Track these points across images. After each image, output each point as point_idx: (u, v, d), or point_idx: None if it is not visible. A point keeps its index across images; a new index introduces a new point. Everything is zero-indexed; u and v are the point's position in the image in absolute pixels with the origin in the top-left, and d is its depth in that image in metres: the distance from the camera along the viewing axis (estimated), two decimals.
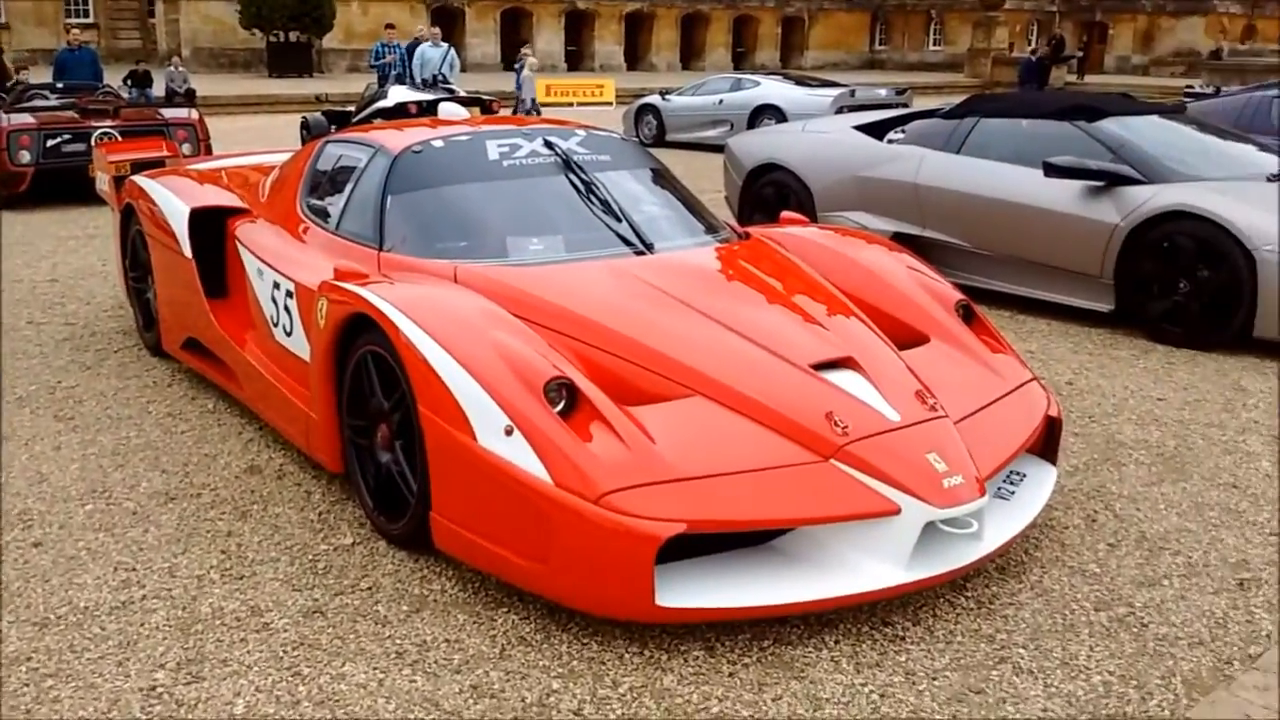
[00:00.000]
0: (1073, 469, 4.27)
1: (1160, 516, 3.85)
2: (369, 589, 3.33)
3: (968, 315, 4.04)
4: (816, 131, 8.25)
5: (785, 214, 5.01)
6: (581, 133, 4.70)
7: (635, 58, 51.20)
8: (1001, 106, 7.47)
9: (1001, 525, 3.32)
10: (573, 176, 4.29)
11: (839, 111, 15.76)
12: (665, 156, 18.84)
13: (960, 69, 44.33)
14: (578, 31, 49.35)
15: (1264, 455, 4.44)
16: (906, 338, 3.87)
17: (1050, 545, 3.62)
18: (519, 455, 2.95)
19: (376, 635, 3.08)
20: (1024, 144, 6.89)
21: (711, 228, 4.47)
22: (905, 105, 16.86)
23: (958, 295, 4.10)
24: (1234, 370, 5.57)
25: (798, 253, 4.34)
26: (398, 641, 3.04)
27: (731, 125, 17.13)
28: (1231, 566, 3.48)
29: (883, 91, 18.48)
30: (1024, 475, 3.66)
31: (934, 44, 54.76)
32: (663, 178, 4.79)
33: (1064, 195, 6.41)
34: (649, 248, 4.00)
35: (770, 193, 8.17)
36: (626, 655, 2.95)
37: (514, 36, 47.69)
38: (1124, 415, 4.91)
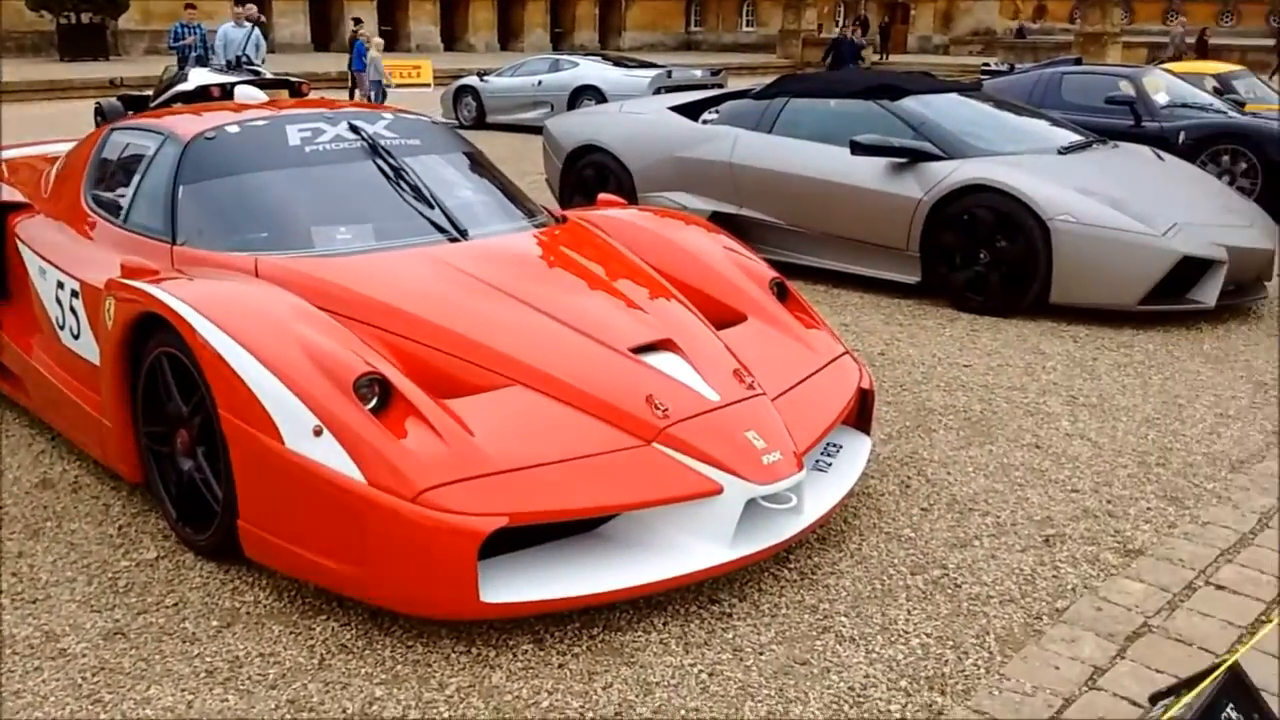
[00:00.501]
0: (887, 437, 4.40)
1: (969, 479, 4.01)
2: (175, 605, 3.14)
3: (782, 293, 4.10)
4: (633, 113, 8.26)
5: (603, 196, 4.98)
6: (389, 116, 4.54)
7: (452, 38, 50.32)
8: (809, 86, 7.64)
9: (821, 497, 3.39)
10: (381, 162, 4.14)
11: (656, 92, 15.89)
12: (487, 139, 18.60)
13: (773, 50, 45.33)
14: (392, 11, 48.12)
15: (1063, 416, 4.68)
16: (724, 317, 3.90)
17: (868, 513, 3.72)
18: (330, 456, 2.82)
19: (184, 654, 2.90)
20: (831, 123, 7.06)
21: (528, 212, 4.40)
22: (720, 86, 17.11)
23: (772, 273, 4.15)
24: (1033, 335, 5.86)
25: (616, 235, 4.32)
26: (208, 659, 2.88)
27: (552, 107, 17.03)
28: (1037, 524, 3.66)
29: (698, 73, 18.71)
30: (840, 447, 3.74)
31: (747, 25, 55.83)
32: (476, 162, 4.68)
33: (870, 172, 6.61)
34: (463, 234, 3.90)
35: (590, 175, 8.14)
36: (453, 655, 2.87)
37: (325, 16, 46.17)
38: (933, 383, 5.10)
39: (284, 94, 12.58)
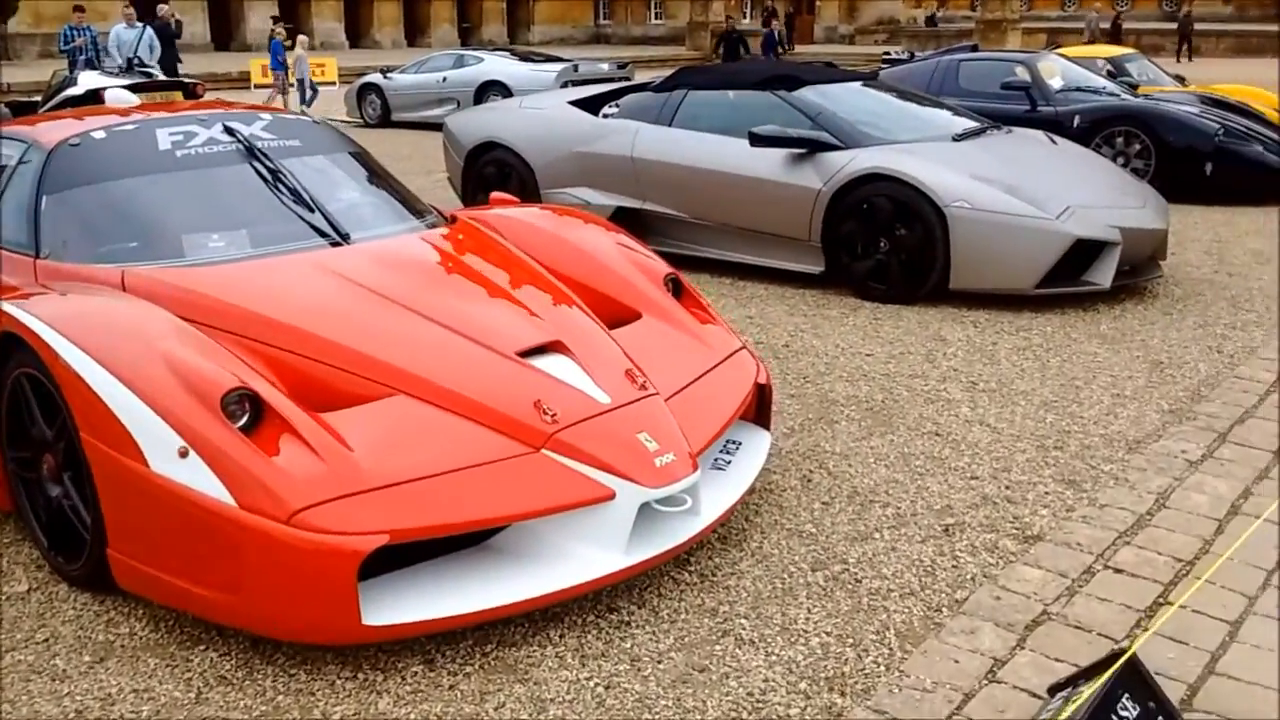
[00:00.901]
0: (789, 430, 4.37)
1: (870, 470, 3.99)
2: (46, 641, 2.97)
3: (677, 289, 4.03)
4: (533, 108, 8.13)
5: (495, 195, 4.86)
6: (267, 116, 4.37)
7: (358, 35, 49.51)
8: (708, 79, 7.59)
9: (719, 496, 3.33)
10: (258, 165, 3.98)
11: (563, 86, 15.75)
12: (392, 137, 18.26)
13: (682, 42, 45.40)
14: (294, 8, 47.12)
15: (963, 402, 4.69)
16: (619, 315, 3.82)
17: (769, 509, 3.67)
18: (197, 478, 2.68)
19: (54, 694, 2.73)
20: (731, 115, 7.02)
21: (416, 213, 4.27)
22: (627, 79, 17.03)
23: (666, 269, 4.08)
24: (934, 321, 5.89)
25: (507, 235, 4.21)
26: (78, 698, 2.71)
27: (458, 103, 16.79)
28: (937, 513, 3.64)
29: (605, 66, 18.62)
30: (739, 443, 3.68)
31: (656, 18, 55.87)
32: (362, 162, 4.53)
33: (770, 163, 6.58)
34: (345, 238, 3.76)
35: (492, 172, 8.00)
36: (338, 682, 2.75)
37: (225, 14, 45.06)
38: (836, 373, 5.08)
39: (179, 96, 12.14)
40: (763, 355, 5.31)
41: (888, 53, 15.29)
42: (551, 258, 4.07)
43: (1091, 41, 30.50)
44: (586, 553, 2.94)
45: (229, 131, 4.09)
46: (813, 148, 6.47)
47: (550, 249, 4.14)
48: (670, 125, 7.24)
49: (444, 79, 18.09)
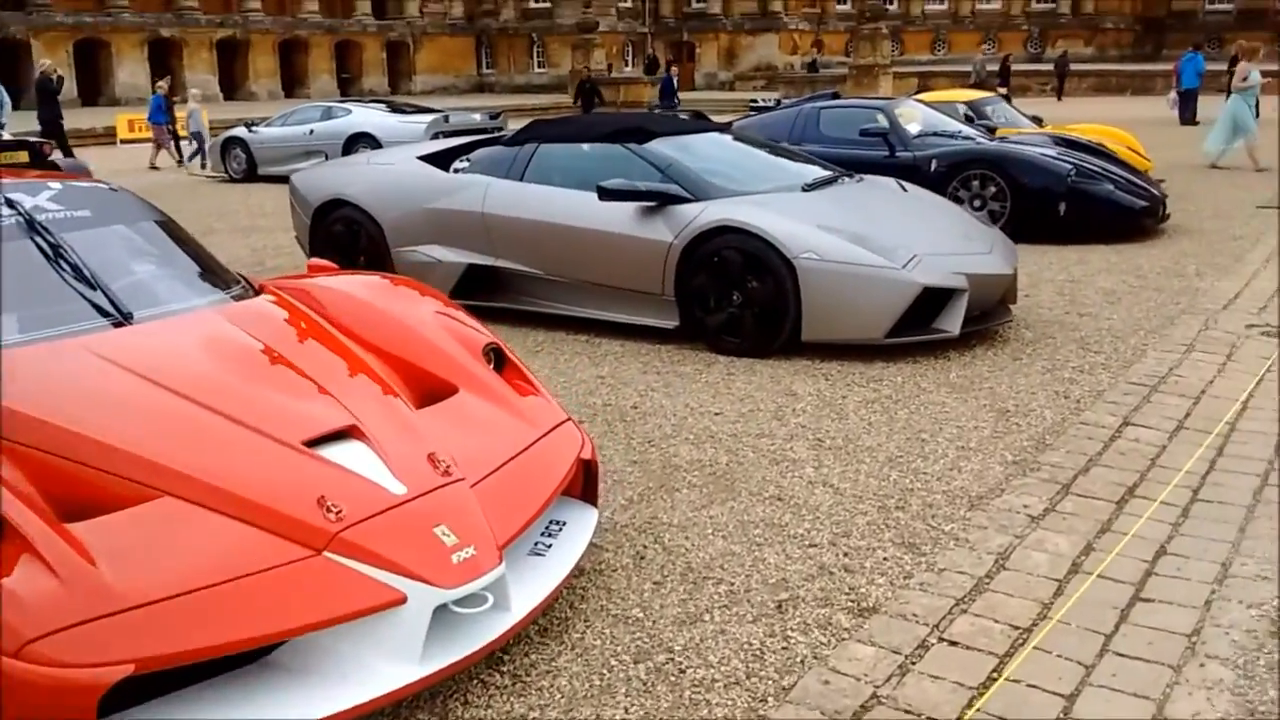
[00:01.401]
0: (628, 501, 4.17)
1: (707, 542, 3.80)
2: None
3: (499, 360, 3.82)
4: (382, 163, 7.88)
5: (312, 261, 4.59)
6: (57, 186, 4.04)
7: (233, 86, 48.56)
8: (559, 131, 7.45)
9: (534, 587, 3.10)
10: (38, 239, 3.65)
11: (434, 137, 15.53)
12: (257, 192, 17.76)
13: (565, 90, 45.57)
14: (164, 62, 46.00)
15: (807, 462, 4.56)
16: (435, 390, 3.58)
17: (596, 593, 3.45)
18: None
19: None
20: (582, 168, 6.88)
21: (220, 284, 3.98)
22: (500, 129, 16.87)
23: (487, 339, 3.86)
24: (787, 375, 5.78)
25: (320, 305, 3.94)
26: None
27: (326, 156, 16.39)
28: (771, 588, 3.47)
29: (477, 116, 18.44)
30: (563, 524, 3.47)
31: (538, 66, 56.15)
32: (165, 231, 4.22)
33: (622, 217, 6.44)
34: (127, 318, 3.45)
35: (341, 230, 7.71)
36: None
37: (91, 69, 43.71)
38: (683, 435, 4.91)
39: (23, 157, 11.45)
40: (610, 419, 5.13)
41: (754, 100, 15.42)
42: (365, 329, 3.82)
43: (978, 84, 31.39)
44: (377, 664, 2.68)
45: (10, 205, 3.75)
46: (663, 200, 6.35)
47: (364, 320, 3.89)
48: (522, 179, 7.07)
49: (311, 131, 17.70)
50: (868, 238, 5.98)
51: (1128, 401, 5.22)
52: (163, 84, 22.44)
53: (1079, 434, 4.81)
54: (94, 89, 43.20)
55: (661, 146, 6.81)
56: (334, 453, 2.97)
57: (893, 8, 59.51)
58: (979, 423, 5.00)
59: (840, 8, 60.37)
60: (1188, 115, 25.39)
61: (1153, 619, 3.22)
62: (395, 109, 19.06)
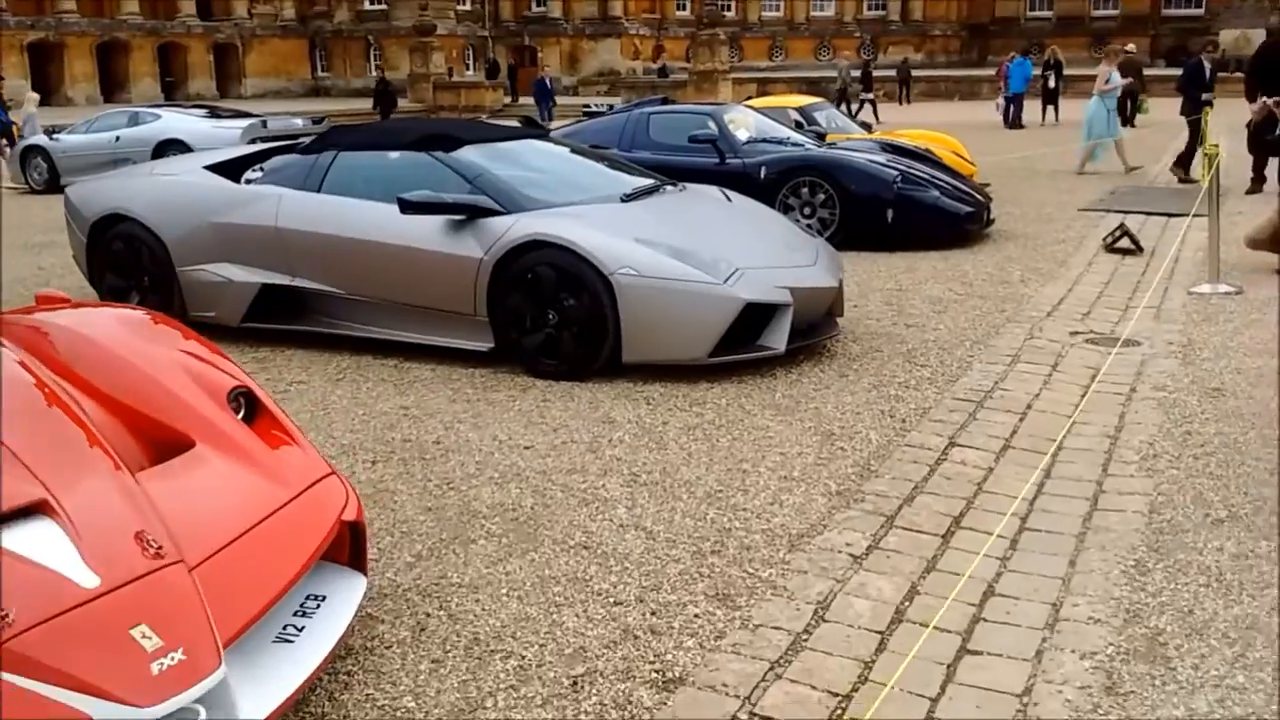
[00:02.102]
0: (414, 559, 3.70)
1: (500, 606, 3.37)
2: None
3: (251, 405, 3.29)
4: (166, 175, 7.16)
5: (41, 293, 3.95)
6: None
7: (47, 91, 45.52)
8: (359, 139, 6.89)
9: (277, 684, 2.61)
10: None
11: (251, 143, 14.62)
12: (56, 204, 16.49)
13: (404, 94, 44.38)
14: None
15: (620, 501, 4.17)
16: (167, 445, 3.05)
17: (364, 678, 2.98)
18: None
19: None
20: (385, 178, 6.36)
21: None
22: None
23: (234, 382, 3.33)
24: (606, 400, 5.39)
25: (42, 345, 3.34)
26: None
27: (134, 163, 15.29)
28: (567, 660, 3.06)
29: (299, 121, 17.57)
30: (323, 598, 2.98)
31: (375, 70, 54.50)
32: None
33: (427, 232, 5.95)
34: None
35: (120, 248, 6.97)
36: None
37: None
38: (487, 474, 4.46)
39: None
40: (408, 457, 4.65)
41: (588, 105, 15.07)
42: (92, 373, 3.25)
43: (843, 89, 31.81)
44: None
45: None
46: (471, 213, 5.89)
47: (91, 362, 3.30)
48: (319, 190, 6.49)
49: (117, 138, 16.54)
50: (688, 251, 5.65)
51: (954, 419, 5.03)
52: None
53: (904, 457, 4.57)
54: None
55: (471, 155, 6.35)
56: (13, 537, 2.42)
57: (730, 14, 60.33)
58: (803, 448, 4.71)
59: (680, 14, 60.78)
60: (1013, 119, 26.31)
61: (981, 676, 2.94)
62: (212, 113, 18.00)
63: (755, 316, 5.65)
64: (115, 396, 3.19)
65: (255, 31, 53.53)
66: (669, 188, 6.82)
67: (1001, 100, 27.19)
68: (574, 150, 7.37)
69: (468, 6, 56.68)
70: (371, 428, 5.09)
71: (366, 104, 43.33)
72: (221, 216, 6.63)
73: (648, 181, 6.78)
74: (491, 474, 4.47)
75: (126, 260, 6.94)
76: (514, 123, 12.53)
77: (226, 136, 15.55)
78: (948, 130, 15.13)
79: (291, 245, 6.41)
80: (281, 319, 6.58)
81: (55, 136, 17.05)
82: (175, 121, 16.76)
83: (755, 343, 5.71)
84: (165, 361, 3.34)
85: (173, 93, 49.13)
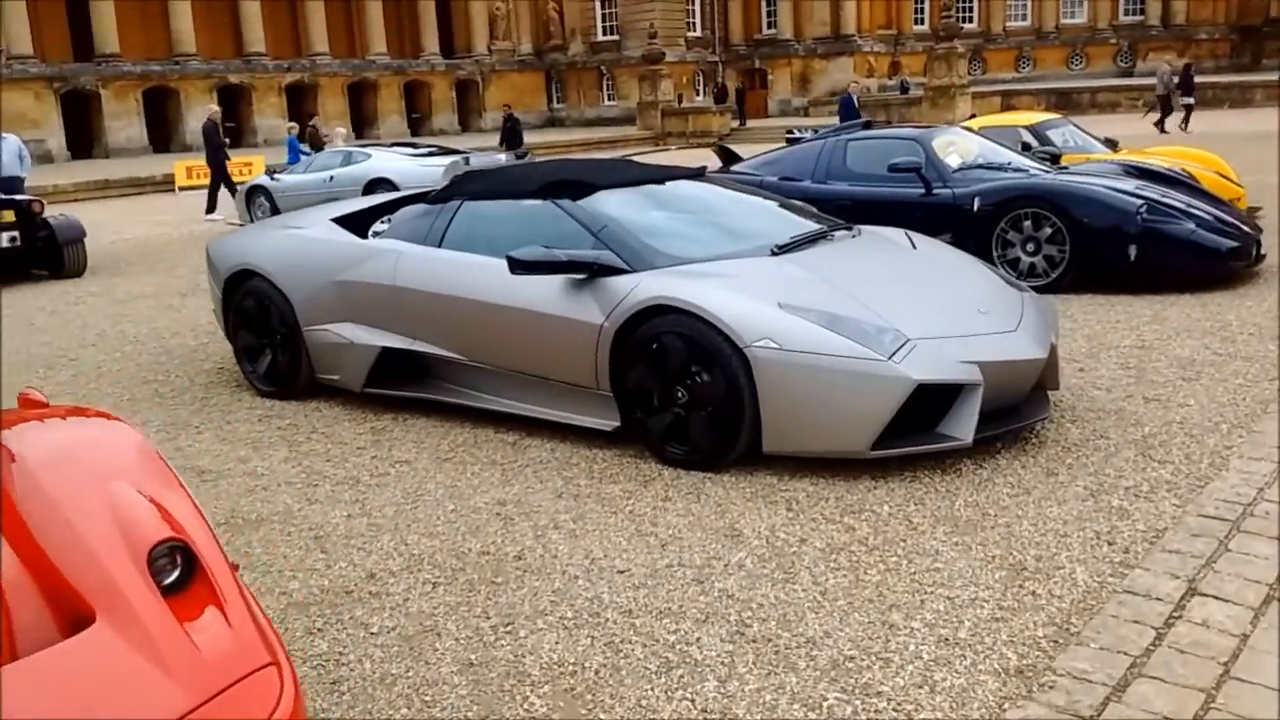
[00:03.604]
0: None
1: None
2: None
3: (189, 564, 2.51)
4: (294, 228, 6.67)
5: (22, 393, 3.35)
6: None
7: (302, 130, 48.64)
8: (485, 186, 6.12)
9: None
10: None
11: (453, 181, 14.47)
12: None
13: (635, 122, 44.59)
14: (234, 107, 46.37)
15: (712, 668, 3.16)
16: (70, 618, 2.32)
17: None
18: None
19: None
20: (506, 230, 5.62)
21: None
22: None
23: (166, 534, 2.54)
24: (738, 502, 4.39)
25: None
26: None
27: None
28: None
29: (502, 157, 17.38)
30: None
31: (609, 99, 55.34)
32: None
33: (545, 293, 5.15)
34: None
35: (252, 305, 6.54)
36: None
37: (160, 117, 44.17)
38: (559, 612, 3.54)
39: (8, 216, 10.56)
40: (475, 579, 3.83)
41: (791, 130, 13.98)
42: (26, 511, 2.58)
43: (1165, 96, 29.38)
44: None
45: None
46: (591, 272, 5.03)
47: (25, 496, 2.64)
48: (440, 245, 5.81)
49: (331, 178, 16.85)
50: (847, 318, 4.57)
51: (1197, 550, 3.72)
52: (294, 125, 22.66)
53: (1121, 613, 3.34)
54: (164, 136, 43.58)
55: (600, 203, 5.49)
56: None
57: (972, 25, 57.49)
58: (980, 590, 3.54)
59: (917, 28, 58.44)
60: None
61: None
62: (427, 151, 18.12)
63: (935, 397, 4.51)
64: (40, 545, 2.50)
65: (494, 67, 55.36)
66: (837, 233, 5.72)
67: None
68: (732, 190, 6.39)
69: (698, 33, 56.60)
70: (454, 531, 4.30)
71: (598, 133, 43.84)
72: (343, 274, 6.07)
73: (811, 227, 5.70)
74: (565, 612, 3.55)
75: (257, 318, 6.51)
76: (738, 149, 11.59)
77: (429, 174, 15.48)
78: (1213, 145, 13.12)
79: (410, 305, 5.76)
80: (404, 384, 5.94)
81: (276, 177, 17.59)
82: (384, 161, 16.92)
83: (934, 431, 4.55)
84: (95, 504, 2.61)
85: (418, 128, 51.44)
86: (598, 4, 56.01)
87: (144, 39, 43.59)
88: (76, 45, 42.95)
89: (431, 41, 53.53)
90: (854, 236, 5.75)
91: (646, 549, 4.01)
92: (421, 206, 6.19)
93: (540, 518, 4.38)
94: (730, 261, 5.09)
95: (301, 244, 6.41)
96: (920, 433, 4.53)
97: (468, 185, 6.19)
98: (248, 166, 27.25)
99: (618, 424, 5.06)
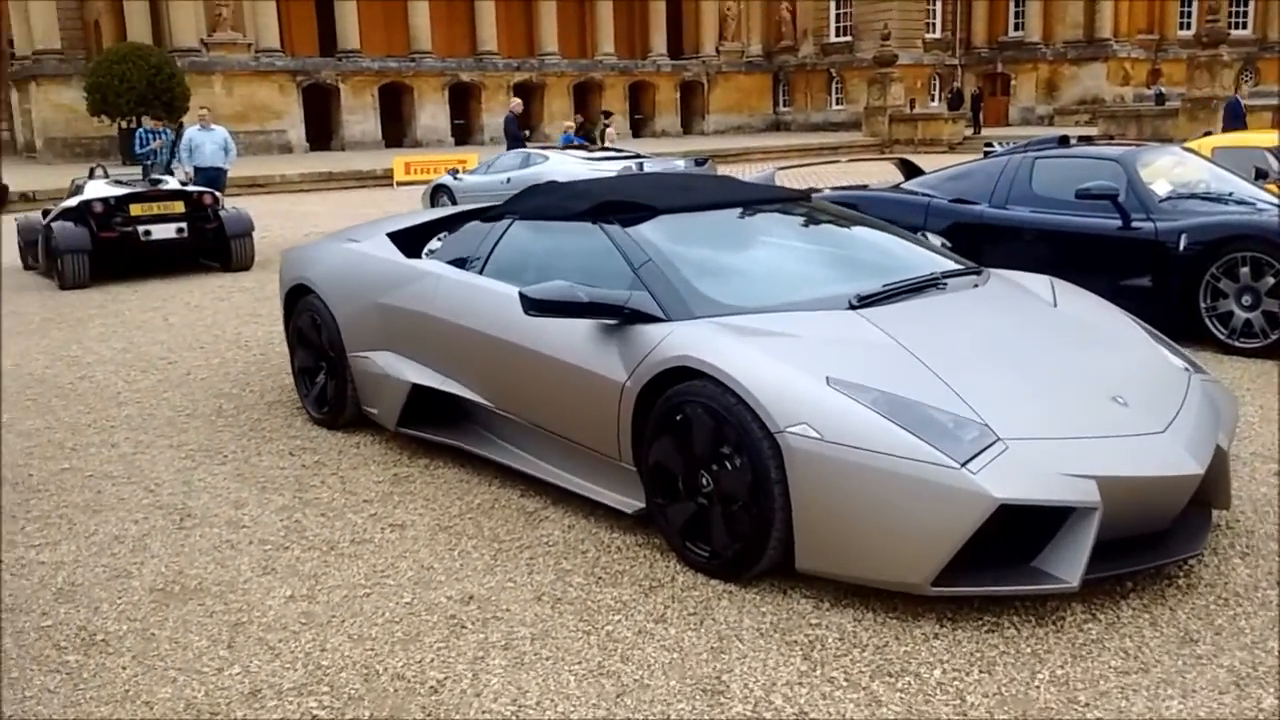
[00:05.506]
0: None
1: None
2: None
3: None
4: (350, 241, 6.01)
5: None
6: None
7: (530, 128, 49.56)
8: (541, 204, 5.22)
9: None
10: None
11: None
12: None
13: (861, 127, 42.89)
14: (464, 104, 47.74)
15: None
16: None
17: None
18: None
19: None
20: (547, 258, 4.76)
21: None
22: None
23: None
24: (746, 637, 3.34)
25: None
26: None
27: None
28: None
29: (680, 163, 16.53)
30: None
31: (836, 103, 53.57)
32: None
33: (571, 337, 4.26)
34: None
35: (307, 322, 5.96)
36: None
37: (395, 113, 45.91)
38: None
39: (178, 206, 10.65)
40: (377, 710, 2.97)
41: (989, 143, 12.46)
42: None
43: None
44: None
45: None
46: (623, 318, 4.09)
47: None
48: (483, 270, 5.02)
49: (508, 180, 16.48)
50: (915, 403, 3.43)
51: None
52: (572, 122, 23.26)
53: None
54: (398, 132, 45.26)
55: (654, 229, 4.52)
56: None
57: (1245, 31, 52.27)
58: None
59: (1182, 34, 53.63)
60: None
61: None
62: (594, 155, 17.55)
63: (1032, 520, 3.32)
64: None
65: (721, 68, 54.68)
66: (953, 281, 4.51)
67: None
68: (837, 219, 5.26)
69: (937, 35, 54.02)
70: (388, 636, 3.46)
71: (820, 138, 42.40)
72: (384, 296, 5.37)
73: (918, 273, 4.51)
74: None
75: (311, 337, 5.92)
76: (975, 157, 10.27)
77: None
78: None
79: (442, 338, 5.00)
80: (438, 427, 5.18)
81: (459, 177, 17.43)
82: (559, 164, 16.42)
83: (1027, 566, 3.35)
84: None
85: (640, 129, 51.46)
86: (832, 3, 54.30)
87: (384, 36, 45.40)
88: (322, 41, 45.19)
89: (659, 42, 53.42)
90: (975, 286, 4.52)
91: (596, 697, 3.05)
92: (475, 224, 5.42)
93: (497, 630, 3.48)
94: (792, 315, 4.00)
95: (352, 260, 5.75)
96: (1007, 568, 3.34)
97: (523, 201, 5.35)
98: (461, 164, 27.50)
99: (641, 506, 4.10)
